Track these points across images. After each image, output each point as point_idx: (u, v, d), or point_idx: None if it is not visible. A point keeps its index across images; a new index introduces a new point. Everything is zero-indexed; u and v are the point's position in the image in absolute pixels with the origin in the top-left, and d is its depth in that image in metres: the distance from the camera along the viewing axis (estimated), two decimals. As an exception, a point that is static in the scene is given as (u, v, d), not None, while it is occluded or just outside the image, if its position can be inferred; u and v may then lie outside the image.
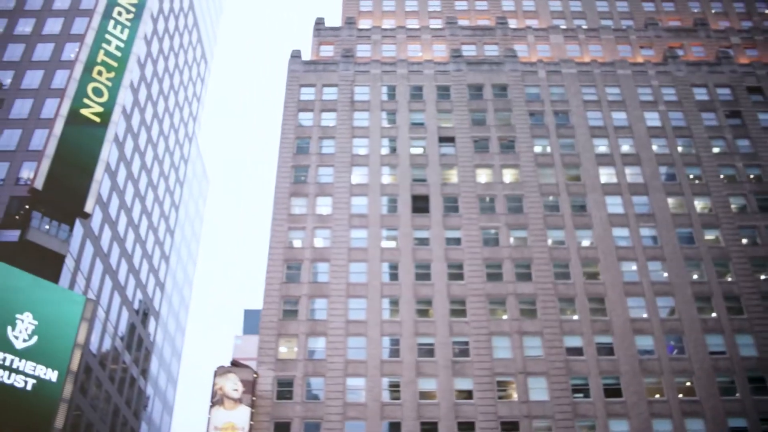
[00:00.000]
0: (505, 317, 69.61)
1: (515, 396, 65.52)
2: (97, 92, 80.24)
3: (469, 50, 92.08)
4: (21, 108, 79.99)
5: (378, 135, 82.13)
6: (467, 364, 66.86)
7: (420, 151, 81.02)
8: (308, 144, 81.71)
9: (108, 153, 78.96)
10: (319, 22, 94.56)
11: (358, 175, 79.29)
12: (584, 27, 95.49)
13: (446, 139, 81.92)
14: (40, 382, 63.73)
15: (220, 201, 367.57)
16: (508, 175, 79.16)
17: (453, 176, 79.07)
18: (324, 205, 77.05)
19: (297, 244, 74.53)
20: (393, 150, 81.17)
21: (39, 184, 71.53)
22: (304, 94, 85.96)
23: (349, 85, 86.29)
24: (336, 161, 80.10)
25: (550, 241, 74.58)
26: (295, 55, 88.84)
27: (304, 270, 72.66)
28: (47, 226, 72.01)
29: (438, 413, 64.52)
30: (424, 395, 65.59)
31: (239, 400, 63.75)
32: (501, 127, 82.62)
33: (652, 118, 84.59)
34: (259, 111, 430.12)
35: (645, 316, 70.26)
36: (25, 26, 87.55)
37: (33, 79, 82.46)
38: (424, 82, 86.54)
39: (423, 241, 74.30)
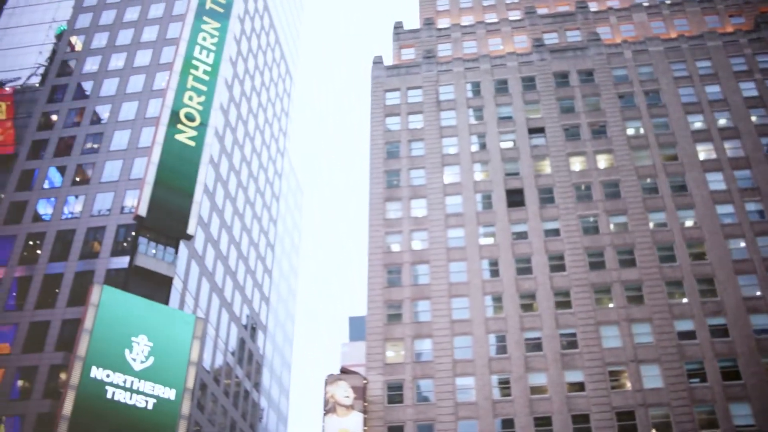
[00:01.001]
0: (611, 305, 68.25)
1: (629, 385, 64.13)
2: (190, 117, 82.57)
3: (551, 38, 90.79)
4: (120, 139, 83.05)
5: (467, 132, 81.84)
6: (576, 355, 65.85)
7: (510, 144, 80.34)
8: (398, 148, 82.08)
9: (205, 175, 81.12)
10: (398, 26, 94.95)
11: (450, 175, 79.17)
12: (668, 2, 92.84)
13: (536, 130, 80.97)
14: (160, 400, 65.92)
15: (315, 211, 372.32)
16: (603, 161, 77.65)
17: (546, 167, 78.08)
18: (419, 207, 77.24)
19: (395, 248, 74.92)
20: (483, 146, 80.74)
21: (143, 210, 74.04)
22: (389, 99, 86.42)
23: (434, 85, 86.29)
24: (427, 162, 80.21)
25: (651, 225, 72.76)
26: (377, 61, 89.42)
27: (405, 273, 72.97)
28: (154, 251, 74.47)
29: (550, 407, 63.76)
30: (534, 390, 64.92)
31: (351, 407, 64.47)
32: (591, 113, 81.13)
33: (748, 89, 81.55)
34: (343, 118, 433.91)
35: (758, 293, 67.70)
36: (117, 61, 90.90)
37: (129, 110, 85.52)
38: (508, 75, 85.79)
39: (521, 235, 73.60)
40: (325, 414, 64.53)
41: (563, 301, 68.95)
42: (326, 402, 65.12)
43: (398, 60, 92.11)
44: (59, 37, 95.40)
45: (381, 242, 75.30)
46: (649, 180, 75.79)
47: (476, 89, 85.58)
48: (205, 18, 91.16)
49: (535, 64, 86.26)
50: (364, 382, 66.38)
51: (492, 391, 65.25)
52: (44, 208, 79.10)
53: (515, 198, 76.36)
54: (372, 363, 68.21)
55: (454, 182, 78.41)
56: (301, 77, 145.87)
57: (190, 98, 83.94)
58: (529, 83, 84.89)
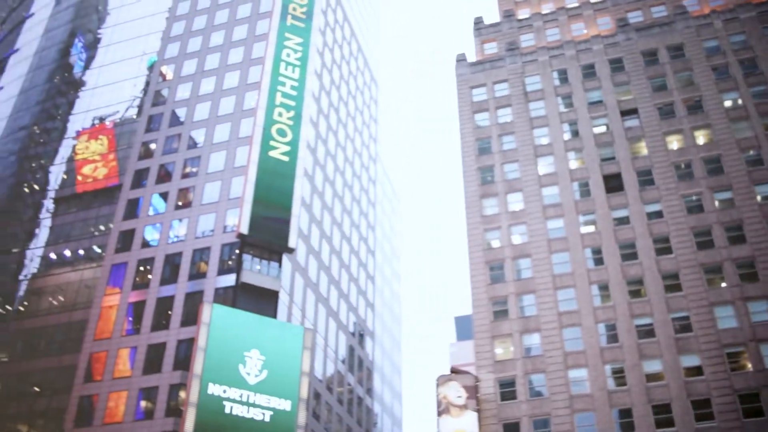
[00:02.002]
0: (724, 285, 66.02)
1: (749, 366, 61.84)
2: (281, 133, 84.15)
3: (635, 17, 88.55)
4: (217, 161, 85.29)
5: (557, 121, 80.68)
6: (691, 339, 63.94)
7: (603, 129, 78.77)
8: (489, 143, 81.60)
9: (301, 188, 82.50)
10: (479, 21, 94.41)
11: (545, 165, 78.20)
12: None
13: (628, 112, 79.13)
14: (276, 412, 67.28)
15: (412, 213, 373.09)
16: (701, 137, 75.26)
17: (642, 148, 76.20)
18: (515, 201, 76.55)
19: (495, 244, 74.46)
20: (575, 134, 79.45)
21: (244, 228, 75.87)
22: (476, 95, 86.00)
23: (519, 77, 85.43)
24: (520, 155, 79.44)
25: (759, 198, 70.03)
26: (461, 59, 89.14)
27: (507, 269, 72.42)
28: (258, 266, 76.17)
29: (668, 394, 62.08)
30: (650, 378, 63.36)
31: (464, 407, 64.38)
32: (684, 89, 78.74)
33: None
34: (429, 118, 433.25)
35: None
36: (207, 85, 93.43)
37: (222, 132, 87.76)
38: (594, 59, 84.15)
39: (623, 220, 72.02)
40: (439, 415, 64.64)
41: (673, 285, 67.09)
42: (439, 403, 65.23)
43: (481, 55, 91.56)
44: (151, 68, 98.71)
45: (480, 239, 74.95)
46: (752, 152, 73.01)
47: (563, 76, 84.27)
48: (287, 35, 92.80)
49: (621, 44, 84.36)
50: (476, 381, 66.20)
51: (606, 382, 64.02)
52: (151, 234, 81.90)
53: (613, 183, 74.79)
54: (481, 361, 67.93)
55: (549, 173, 77.40)
56: (384, 81, 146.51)
57: (280, 114, 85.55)
58: (617, 65, 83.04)
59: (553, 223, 73.95)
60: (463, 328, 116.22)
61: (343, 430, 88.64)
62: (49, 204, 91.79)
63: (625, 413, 62.29)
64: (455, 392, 65.16)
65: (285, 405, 67.84)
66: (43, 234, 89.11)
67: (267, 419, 66.28)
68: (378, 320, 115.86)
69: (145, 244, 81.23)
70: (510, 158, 79.73)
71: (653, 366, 63.75)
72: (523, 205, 76.00)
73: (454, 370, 69.26)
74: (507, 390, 66.01)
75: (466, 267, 79.16)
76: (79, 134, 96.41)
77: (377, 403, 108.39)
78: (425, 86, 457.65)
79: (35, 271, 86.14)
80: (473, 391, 65.31)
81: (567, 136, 79.54)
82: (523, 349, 67.66)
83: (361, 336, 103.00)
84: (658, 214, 71.33)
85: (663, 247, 69.35)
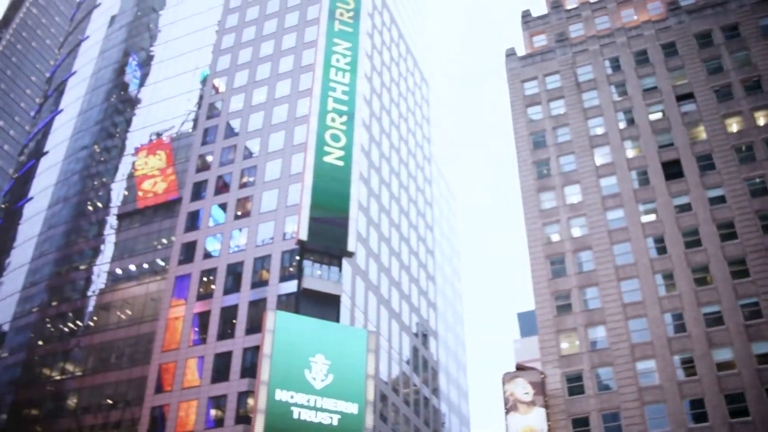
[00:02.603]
0: (793, 268, 64.37)
1: (826, 349, 60.18)
2: (335, 138, 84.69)
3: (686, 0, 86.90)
4: (273, 169, 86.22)
5: (612, 110, 79.60)
6: (762, 325, 62.40)
7: (659, 116, 77.47)
8: (543, 137, 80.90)
9: (357, 191, 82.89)
10: (526, 14, 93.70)
11: (601, 156, 77.21)
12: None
13: (684, 97, 77.67)
14: (344, 416, 67.69)
15: (469, 212, 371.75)
16: (762, 117, 73.46)
17: (701, 133, 74.71)
18: (573, 194, 75.75)
19: (555, 238, 73.77)
20: (631, 122, 78.29)
21: (303, 234, 76.58)
22: (528, 89, 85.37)
23: (570, 68, 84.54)
24: (575, 147, 78.59)
25: (826, 177, 68.15)
26: (510, 53, 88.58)
27: (568, 262, 71.69)
28: (319, 272, 76.78)
29: (741, 383, 60.68)
30: (721, 366, 62.01)
31: (532, 403, 63.91)
32: (741, 69, 76.95)
33: None
34: (480, 114, 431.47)
35: None
36: (259, 95, 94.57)
37: (277, 140, 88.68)
38: (646, 45, 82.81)
39: (684, 207, 70.68)
40: (506, 413, 64.28)
41: (740, 270, 65.60)
42: (506, 401, 64.85)
43: (530, 48, 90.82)
44: (204, 81, 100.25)
45: (540, 234, 74.34)
46: (816, 130, 71.07)
47: (615, 65, 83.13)
48: (335, 40, 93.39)
49: (673, 28, 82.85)
50: (542, 376, 65.66)
51: (676, 372, 62.89)
52: (212, 245, 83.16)
53: (672, 170, 73.46)
54: (547, 356, 67.35)
55: (606, 163, 76.40)
56: (434, 81, 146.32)
57: (333, 120, 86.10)
58: (670, 49, 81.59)
59: (612, 214, 72.95)
60: (527, 323, 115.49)
61: (411, 431, 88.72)
62: (112, 220, 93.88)
63: (697, 404, 61.10)
64: (522, 389, 64.72)
65: (352, 408, 68.22)
66: (108, 250, 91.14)
67: (335, 423, 66.72)
68: (441, 320, 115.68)
69: (207, 255, 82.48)
70: (565, 150, 78.92)
71: (724, 354, 62.41)
72: (581, 197, 75.15)
73: (520, 367, 68.82)
74: (574, 385, 65.33)
75: (527, 262, 78.56)
76: (137, 151, 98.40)
77: (444, 403, 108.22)
78: (475, 83, 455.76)
79: (102, 286, 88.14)
80: (540, 387, 64.78)
81: (622, 124, 78.41)
82: (588, 343, 66.87)
83: (425, 336, 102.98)
84: (721, 199, 69.83)
85: (728, 232, 67.85)
